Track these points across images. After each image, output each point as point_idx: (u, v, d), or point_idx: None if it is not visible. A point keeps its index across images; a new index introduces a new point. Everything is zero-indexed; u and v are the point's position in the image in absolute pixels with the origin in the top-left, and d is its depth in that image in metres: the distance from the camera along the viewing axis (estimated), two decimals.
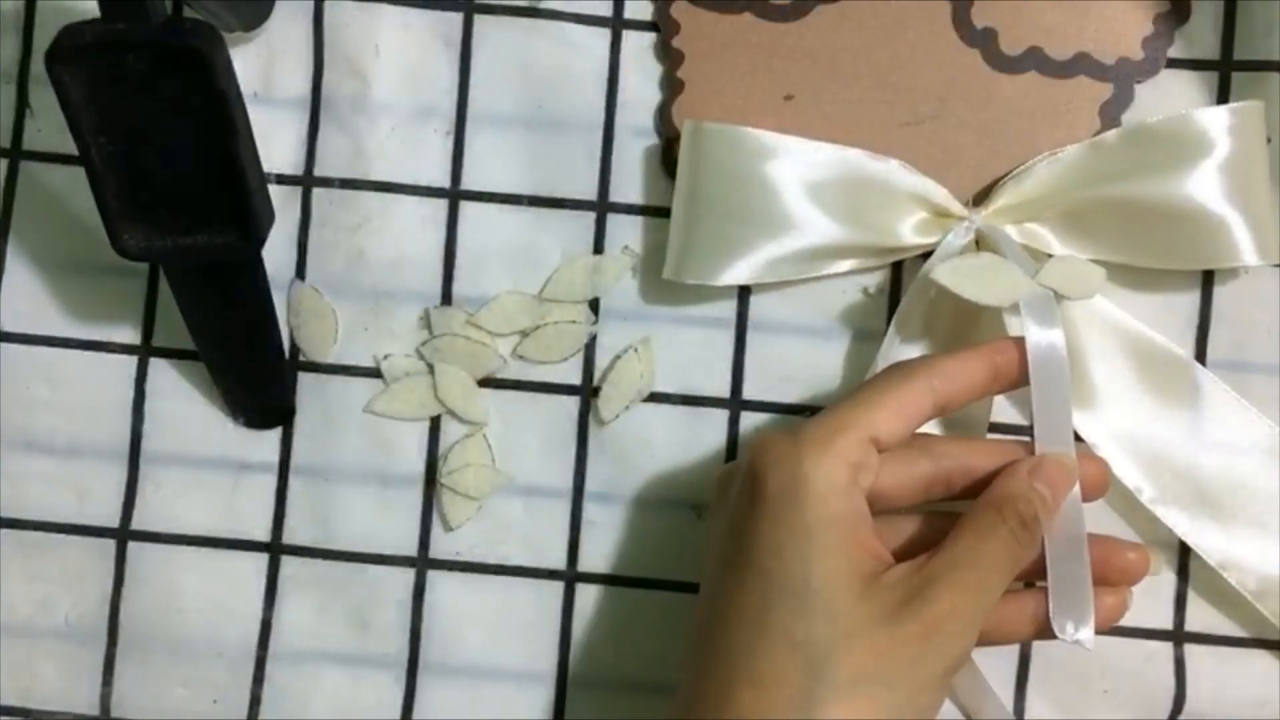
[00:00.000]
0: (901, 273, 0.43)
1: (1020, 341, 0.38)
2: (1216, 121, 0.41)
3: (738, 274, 0.41)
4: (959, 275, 0.39)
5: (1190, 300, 0.43)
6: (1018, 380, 0.39)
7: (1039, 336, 0.38)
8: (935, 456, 0.38)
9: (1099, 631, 0.38)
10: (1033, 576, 0.38)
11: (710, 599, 0.37)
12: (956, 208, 0.42)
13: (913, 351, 0.42)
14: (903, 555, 0.37)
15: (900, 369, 0.38)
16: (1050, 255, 0.41)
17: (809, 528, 0.35)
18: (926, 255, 0.42)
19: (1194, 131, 0.41)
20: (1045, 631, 0.38)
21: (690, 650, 0.37)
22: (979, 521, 0.37)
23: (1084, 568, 0.38)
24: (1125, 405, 0.42)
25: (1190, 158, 0.40)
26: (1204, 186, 0.40)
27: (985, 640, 0.37)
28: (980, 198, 0.42)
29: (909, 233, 0.41)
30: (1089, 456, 0.39)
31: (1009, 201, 0.42)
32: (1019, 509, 0.36)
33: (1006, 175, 0.42)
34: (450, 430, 0.44)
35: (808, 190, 0.41)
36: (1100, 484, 0.39)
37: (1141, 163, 0.41)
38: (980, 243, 0.41)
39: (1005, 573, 0.36)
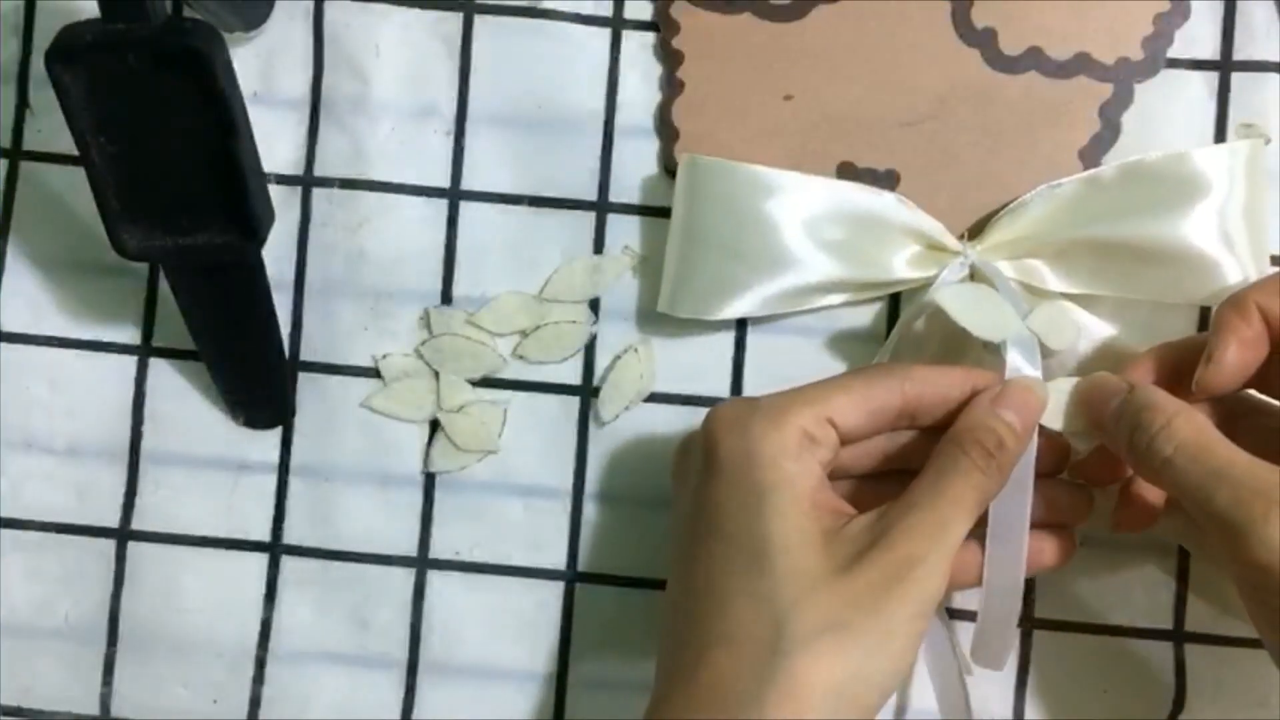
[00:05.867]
0: None
1: (999, 377, 0.38)
2: (1214, 161, 0.40)
3: (733, 309, 0.42)
4: (960, 302, 0.40)
5: (1190, 302, 0.43)
6: None
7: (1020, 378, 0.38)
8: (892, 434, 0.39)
9: (1051, 570, 0.39)
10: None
11: (678, 568, 0.38)
12: (952, 242, 0.42)
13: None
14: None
15: (874, 366, 0.39)
16: (1045, 291, 0.41)
17: (762, 489, 0.36)
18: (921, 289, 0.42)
19: (1191, 171, 0.40)
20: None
21: (665, 621, 0.38)
22: (940, 459, 0.37)
23: (1015, 607, 0.38)
24: None
25: (1187, 197, 0.40)
26: (1200, 226, 0.40)
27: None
28: (975, 231, 0.42)
29: (904, 267, 0.42)
30: (1077, 486, 0.40)
31: (1004, 236, 0.42)
32: (980, 439, 0.36)
33: (1002, 209, 0.42)
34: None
35: (803, 226, 0.41)
36: (1061, 460, 0.40)
37: (1137, 201, 0.41)
38: (975, 277, 0.41)
39: (969, 508, 0.36)
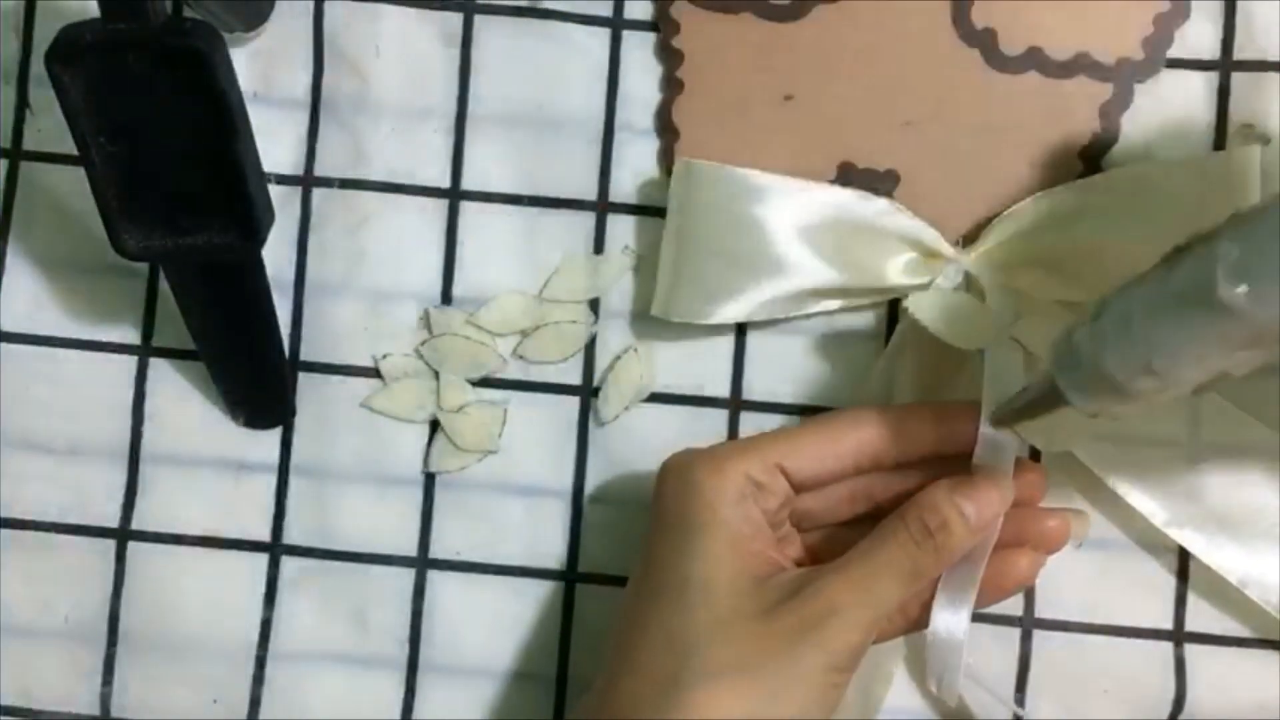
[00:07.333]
0: None
1: (975, 408, 0.38)
2: (1206, 166, 0.40)
3: (727, 313, 0.42)
4: (931, 309, 0.40)
5: None
6: (965, 448, 0.38)
7: (995, 389, 0.38)
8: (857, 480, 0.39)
9: (1008, 597, 0.39)
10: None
11: (621, 606, 0.39)
12: (946, 249, 0.41)
13: (902, 379, 0.42)
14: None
15: (835, 413, 0.39)
16: (1040, 299, 0.41)
17: (693, 530, 0.36)
18: None
19: (1184, 176, 0.40)
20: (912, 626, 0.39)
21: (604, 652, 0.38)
22: (883, 526, 0.37)
23: (963, 629, 0.38)
24: (1124, 431, 0.42)
25: (1180, 202, 0.40)
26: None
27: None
28: (970, 238, 0.42)
29: (899, 274, 0.41)
30: (1052, 513, 0.39)
31: (998, 243, 0.41)
32: (923, 516, 0.36)
33: (996, 216, 0.42)
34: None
35: (798, 231, 0.41)
36: (1057, 537, 0.39)
37: (1130, 207, 0.40)
38: (970, 285, 0.41)
39: (899, 578, 0.36)
